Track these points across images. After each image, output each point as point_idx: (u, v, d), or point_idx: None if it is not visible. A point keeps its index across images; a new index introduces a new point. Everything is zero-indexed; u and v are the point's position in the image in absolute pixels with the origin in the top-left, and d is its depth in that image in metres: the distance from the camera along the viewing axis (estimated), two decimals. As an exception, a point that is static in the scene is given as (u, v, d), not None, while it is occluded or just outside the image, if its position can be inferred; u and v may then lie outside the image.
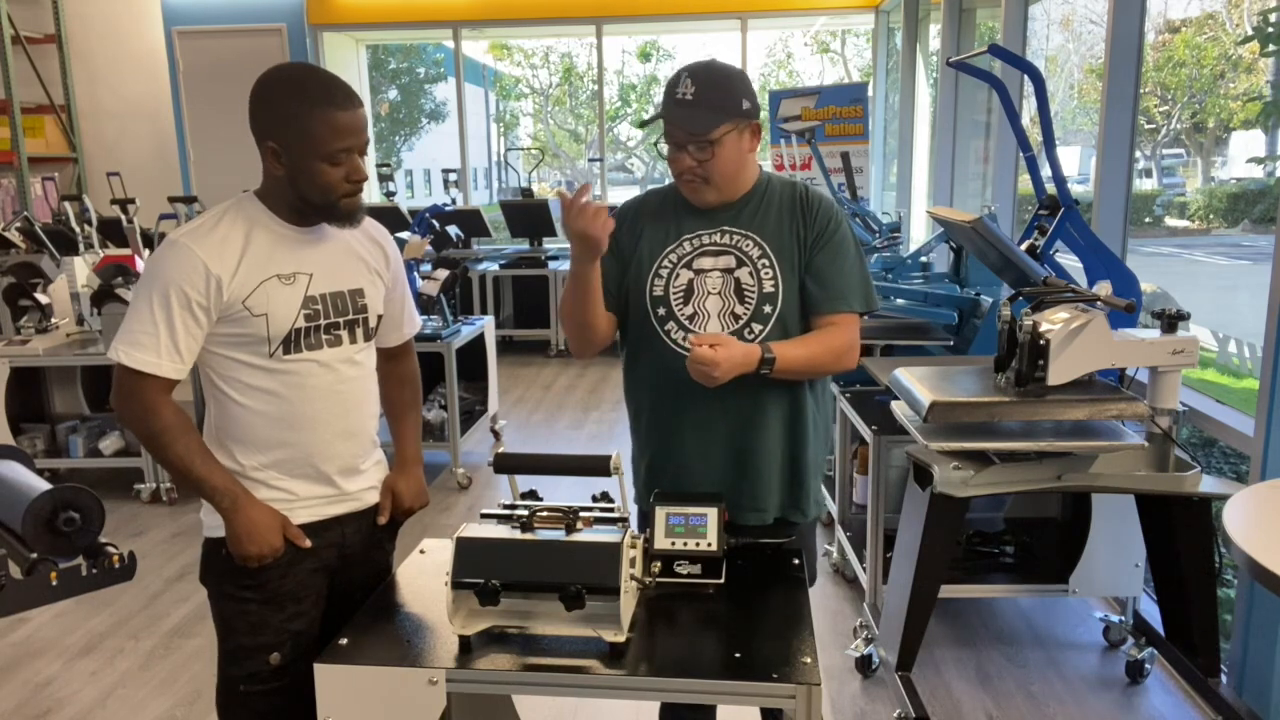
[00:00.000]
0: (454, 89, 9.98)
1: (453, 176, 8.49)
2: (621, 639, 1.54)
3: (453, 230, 6.85)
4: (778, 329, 1.93)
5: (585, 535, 1.61)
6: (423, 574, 1.90)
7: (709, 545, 1.77)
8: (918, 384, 2.58)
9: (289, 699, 1.79)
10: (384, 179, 7.53)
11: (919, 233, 6.82)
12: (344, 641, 1.62)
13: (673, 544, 1.78)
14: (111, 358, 1.69)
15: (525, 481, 1.82)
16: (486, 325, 5.31)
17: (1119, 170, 3.57)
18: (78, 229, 6.00)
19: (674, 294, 1.95)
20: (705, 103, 1.85)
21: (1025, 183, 4.07)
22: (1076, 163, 7.78)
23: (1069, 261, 3.11)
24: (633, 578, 1.60)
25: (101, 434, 4.82)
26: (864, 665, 3.00)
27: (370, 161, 9.22)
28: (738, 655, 1.58)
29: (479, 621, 1.58)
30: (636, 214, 2.05)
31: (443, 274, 4.87)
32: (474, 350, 5.19)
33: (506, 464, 1.80)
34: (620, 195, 11.92)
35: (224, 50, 8.65)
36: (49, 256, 4.91)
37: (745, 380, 1.89)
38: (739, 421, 1.95)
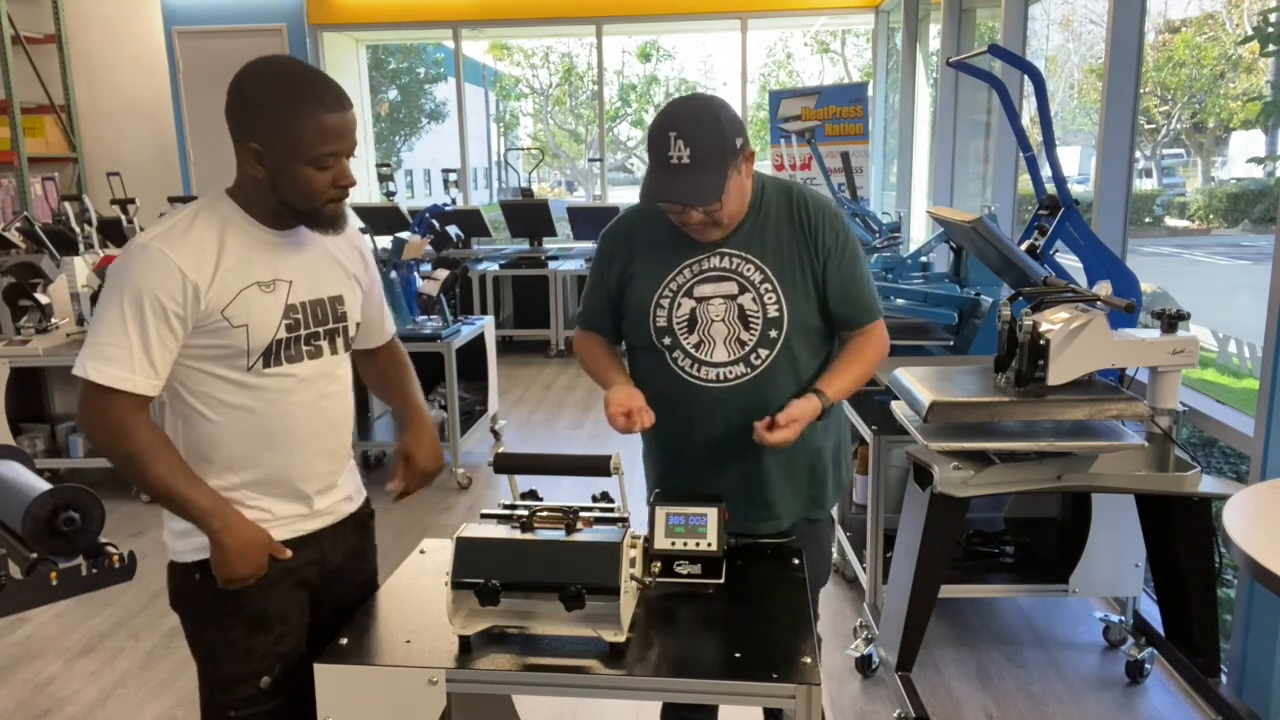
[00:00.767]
0: (454, 89, 9.98)
1: (453, 176, 8.48)
2: (621, 639, 1.54)
3: (453, 230, 6.84)
4: (785, 352, 1.92)
5: (585, 535, 1.61)
6: (423, 574, 1.90)
7: (709, 545, 1.77)
8: (918, 384, 2.58)
9: (281, 717, 1.75)
10: (384, 179, 7.53)
11: (919, 233, 6.82)
12: (344, 641, 1.62)
13: (673, 544, 1.78)
14: (77, 373, 1.53)
15: (525, 481, 1.82)
16: (486, 325, 5.31)
17: (1119, 170, 3.57)
18: (78, 229, 6.00)
19: (678, 324, 1.93)
20: (702, 164, 1.76)
21: (1025, 183, 4.07)
22: (1076, 163, 7.79)
23: (1069, 261, 3.11)
24: (633, 578, 1.60)
25: (101, 434, 4.82)
26: (864, 665, 3.00)
27: (370, 162, 9.25)
28: (738, 655, 1.58)
29: (479, 621, 1.58)
30: (631, 238, 1.99)
31: (443, 274, 4.87)
32: (474, 350, 5.19)
33: (506, 464, 1.80)
34: (620, 195, 11.92)
35: (224, 50, 8.65)
36: (49, 256, 4.91)
37: (759, 404, 1.90)
38: (750, 442, 1.92)
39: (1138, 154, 4.47)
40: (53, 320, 4.79)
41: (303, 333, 1.67)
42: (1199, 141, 8.99)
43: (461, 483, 4.79)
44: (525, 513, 1.66)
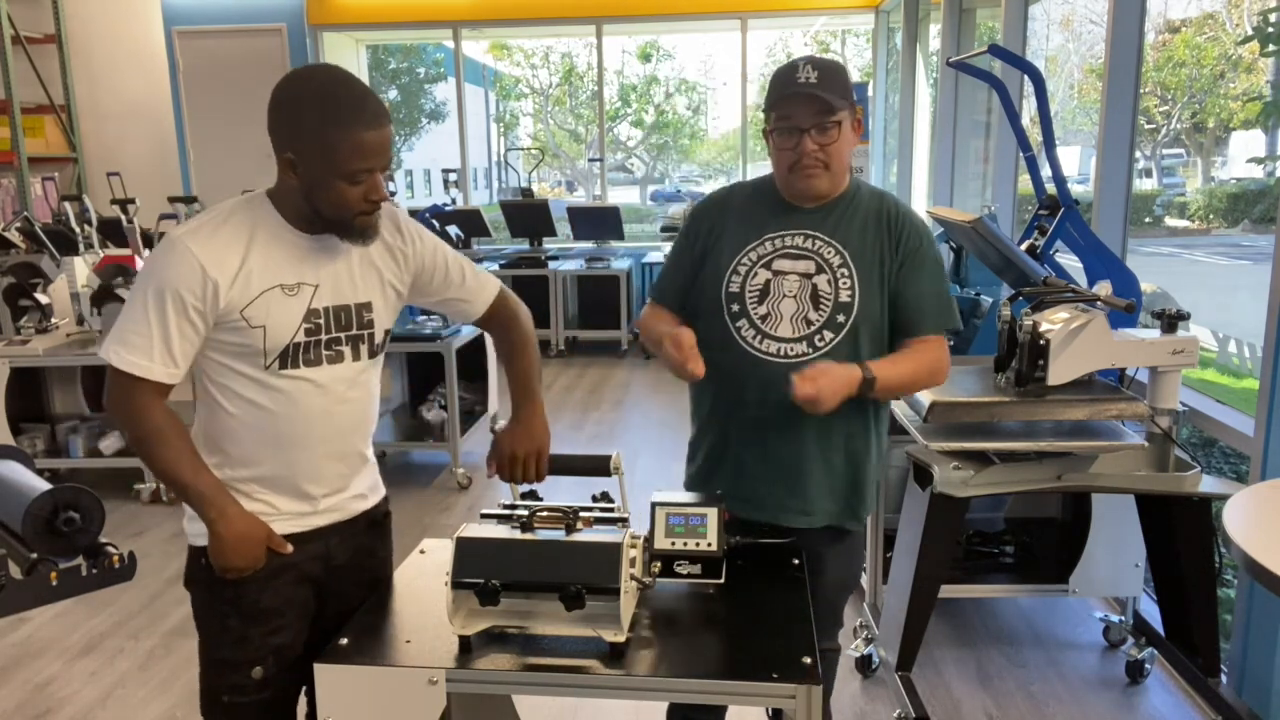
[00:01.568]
0: (454, 89, 9.99)
1: (453, 176, 8.50)
2: (621, 639, 1.54)
3: (453, 230, 6.84)
4: (849, 339, 1.92)
5: (585, 535, 1.61)
6: (423, 574, 1.90)
7: (709, 545, 1.77)
8: (918, 384, 2.57)
9: (273, 710, 1.76)
10: (384, 179, 7.53)
11: (919, 233, 6.80)
12: (344, 641, 1.62)
13: (673, 544, 1.78)
14: (103, 357, 1.60)
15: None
16: (486, 325, 5.30)
17: (1119, 170, 3.57)
18: (78, 229, 6.00)
19: (749, 293, 1.95)
20: (828, 87, 1.87)
21: (1025, 183, 4.07)
22: (1076, 163, 7.78)
23: (1069, 261, 3.11)
24: (633, 578, 1.60)
25: (101, 434, 4.82)
26: (864, 665, 3.00)
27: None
28: (738, 655, 1.59)
29: (479, 621, 1.58)
30: (721, 209, 2.06)
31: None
32: (474, 350, 5.19)
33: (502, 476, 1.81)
34: (620, 195, 11.91)
35: (224, 50, 8.65)
36: (49, 256, 4.90)
37: None
38: (800, 423, 1.93)
39: (1138, 154, 4.47)
40: (53, 320, 4.79)
41: (323, 337, 1.68)
42: (1199, 141, 8.99)
43: (461, 483, 4.79)
44: (525, 513, 1.66)
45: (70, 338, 4.73)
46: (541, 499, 1.76)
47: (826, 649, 2.14)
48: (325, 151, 1.55)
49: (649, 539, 1.77)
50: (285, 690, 1.76)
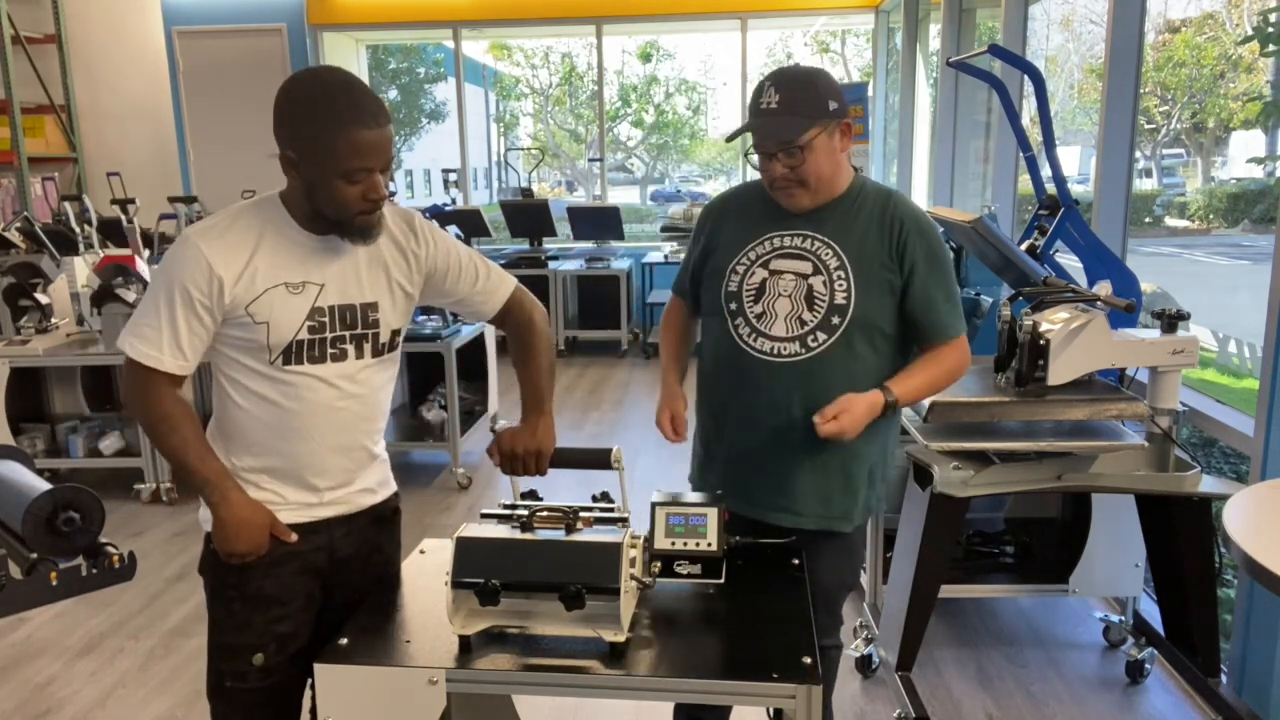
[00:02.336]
0: (454, 89, 9.98)
1: (453, 176, 8.49)
2: (621, 639, 1.54)
3: (453, 230, 6.84)
4: (843, 341, 1.93)
5: (585, 535, 1.61)
6: (423, 574, 1.90)
7: (709, 545, 1.77)
8: (918, 384, 2.57)
9: (275, 698, 1.78)
10: (384, 179, 7.54)
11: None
12: (344, 641, 1.62)
13: (673, 544, 1.78)
14: (119, 347, 1.68)
15: (525, 481, 1.82)
16: (486, 325, 5.31)
17: (1119, 170, 3.57)
18: (78, 229, 5.99)
19: (746, 291, 1.97)
20: (790, 109, 1.86)
21: (1025, 183, 4.07)
22: (1076, 163, 7.78)
23: (1069, 261, 3.11)
24: (633, 578, 1.60)
25: (101, 434, 4.82)
26: (864, 665, 3.00)
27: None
28: (738, 655, 1.59)
29: (479, 621, 1.58)
30: (723, 209, 2.10)
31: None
32: (474, 350, 5.20)
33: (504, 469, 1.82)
34: (620, 195, 11.91)
35: (224, 50, 8.65)
36: (49, 256, 4.90)
37: (806, 389, 1.93)
38: (791, 423, 1.95)
39: (1138, 154, 4.47)
40: (53, 320, 4.79)
41: (327, 335, 1.71)
42: (1199, 141, 8.99)
43: (461, 483, 4.79)
44: (525, 512, 1.67)
45: (70, 338, 4.73)
46: (542, 499, 1.76)
47: (827, 646, 2.14)
48: (323, 150, 1.58)
49: (649, 539, 1.77)
50: (288, 681, 1.78)
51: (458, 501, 4.63)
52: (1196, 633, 2.61)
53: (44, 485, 1.53)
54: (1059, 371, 2.41)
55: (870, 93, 8.27)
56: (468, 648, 1.57)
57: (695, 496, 1.86)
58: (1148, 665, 2.92)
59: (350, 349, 1.74)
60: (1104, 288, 2.50)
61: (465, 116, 9.44)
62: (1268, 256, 2.52)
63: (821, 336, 1.93)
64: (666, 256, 8.04)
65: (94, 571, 1.53)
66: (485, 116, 20.44)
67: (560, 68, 20.03)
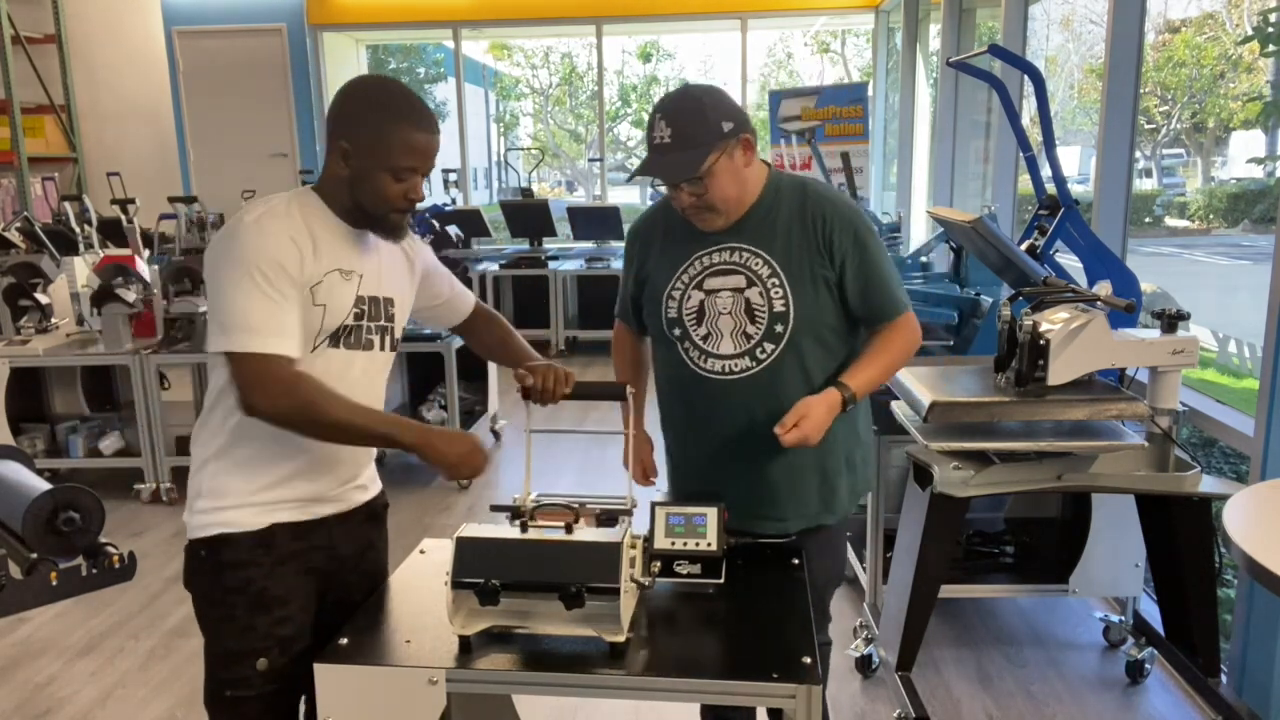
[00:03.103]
0: (454, 89, 9.98)
1: (453, 176, 8.49)
2: (621, 639, 1.54)
3: (453, 230, 6.83)
4: (791, 348, 1.92)
5: (585, 535, 1.61)
6: (423, 574, 1.90)
7: (709, 545, 1.77)
8: (918, 384, 2.58)
9: (278, 703, 1.76)
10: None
11: (919, 233, 6.82)
12: (344, 641, 1.62)
13: (673, 544, 1.78)
14: (229, 349, 1.58)
15: (535, 480, 1.82)
16: (486, 325, 5.30)
17: (1119, 170, 3.57)
18: (78, 229, 6.00)
19: (687, 315, 1.96)
20: (682, 143, 1.83)
21: (1025, 183, 4.07)
22: (1076, 163, 7.79)
23: (1069, 261, 3.11)
24: (633, 578, 1.60)
25: (101, 434, 4.82)
26: (864, 665, 3.00)
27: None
28: (738, 655, 1.59)
29: (479, 621, 1.58)
30: (648, 235, 2.07)
31: (443, 274, 4.86)
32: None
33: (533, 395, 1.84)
34: (620, 195, 11.92)
35: (224, 50, 8.66)
36: (49, 256, 4.90)
37: (765, 400, 1.92)
38: (755, 437, 1.94)
39: (1138, 154, 4.47)
40: (53, 320, 4.79)
41: (365, 324, 1.76)
42: (1199, 141, 8.99)
43: (461, 483, 4.79)
44: (531, 505, 1.67)
45: (70, 338, 4.73)
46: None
47: (819, 642, 2.14)
48: (380, 143, 1.65)
49: (649, 539, 1.77)
50: (289, 685, 1.76)
51: (458, 501, 4.63)
52: (1196, 633, 2.61)
53: (44, 485, 1.53)
54: (1059, 371, 2.41)
55: (870, 93, 8.27)
56: (468, 648, 1.57)
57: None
58: (1148, 665, 2.92)
59: (376, 340, 1.79)
60: (1104, 288, 2.50)
61: (465, 116, 9.44)
62: (1268, 256, 2.52)
63: (769, 347, 1.92)
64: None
65: (94, 571, 1.53)
66: (485, 116, 20.43)
67: (560, 68, 20.03)
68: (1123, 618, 3.08)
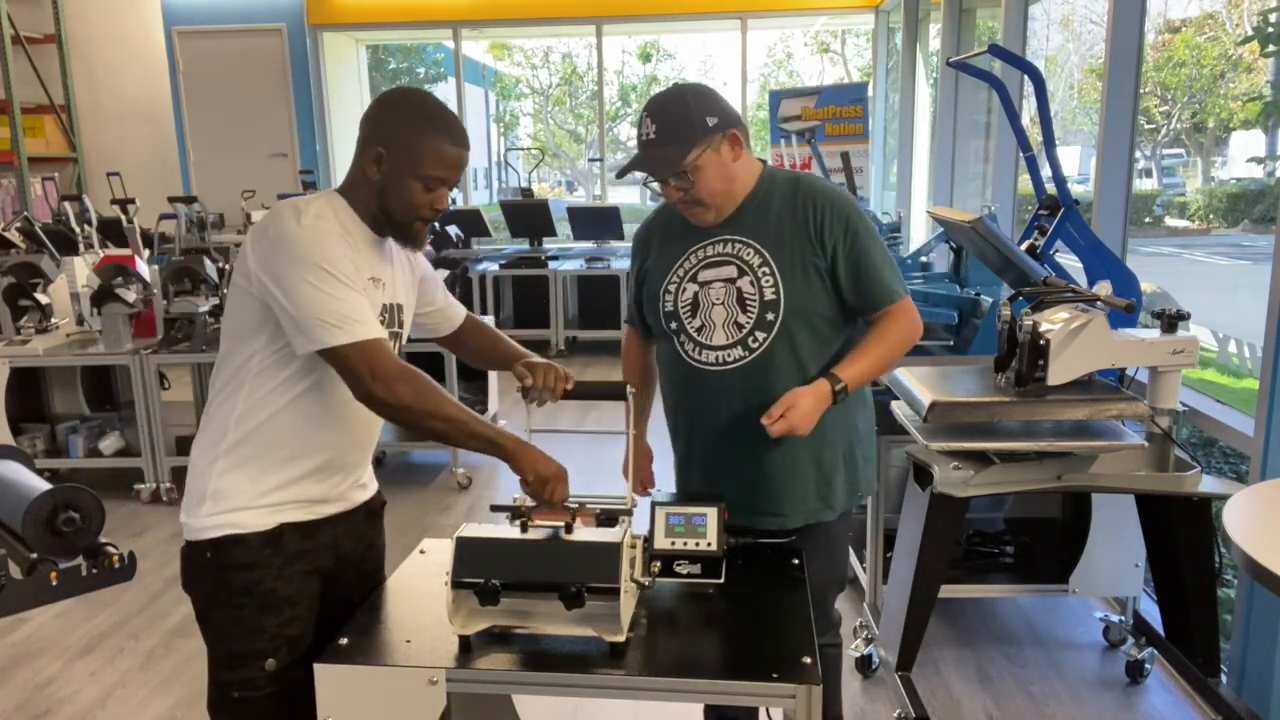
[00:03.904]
0: (454, 89, 9.98)
1: (453, 176, 8.48)
2: (621, 639, 1.54)
3: (453, 230, 6.85)
4: (783, 336, 1.93)
5: (585, 535, 1.61)
6: (423, 574, 1.90)
7: (709, 545, 1.77)
8: (918, 384, 2.58)
9: (283, 704, 1.75)
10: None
11: (919, 233, 6.82)
12: (344, 641, 1.62)
13: (673, 544, 1.78)
14: (336, 343, 1.58)
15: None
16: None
17: (1119, 170, 3.57)
18: (78, 229, 6.01)
19: (682, 308, 1.99)
20: (667, 138, 1.87)
21: (1025, 183, 4.07)
22: (1076, 163, 7.78)
23: (1069, 261, 3.11)
24: (632, 578, 1.60)
25: (101, 434, 4.83)
26: (864, 665, 3.00)
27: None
28: (738, 655, 1.59)
29: (479, 621, 1.58)
30: (648, 236, 2.12)
31: (443, 274, 4.86)
32: (474, 350, 5.18)
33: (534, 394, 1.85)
34: (620, 195, 11.92)
35: (224, 50, 8.66)
36: (49, 256, 4.91)
37: (758, 390, 1.93)
38: (750, 428, 1.94)
39: (1138, 154, 4.47)
40: (53, 320, 4.79)
41: (386, 330, 1.76)
42: (1199, 141, 8.99)
43: (461, 483, 4.79)
44: (531, 505, 1.68)
45: (70, 338, 4.73)
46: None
47: (825, 645, 2.15)
48: (414, 151, 1.68)
49: (649, 539, 1.77)
50: (294, 685, 1.75)
51: (457, 501, 4.63)
52: (1196, 633, 2.61)
53: (44, 485, 1.53)
54: (1059, 371, 2.41)
55: (870, 93, 8.27)
56: (468, 648, 1.57)
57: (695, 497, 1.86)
58: (1148, 665, 2.92)
59: (392, 345, 1.80)
60: (1104, 288, 2.50)
61: (465, 116, 9.45)
62: (1268, 256, 2.52)
63: (761, 335, 1.93)
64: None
65: (94, 571, 1.53)
66: (485, 116, 20.43)
67: (560, 68, 20.03)
68: (1123, 618, 3.08)
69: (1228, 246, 7.80)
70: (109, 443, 4.78)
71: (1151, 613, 3.03)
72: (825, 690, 1.49)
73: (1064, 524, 3.24)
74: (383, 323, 1.74)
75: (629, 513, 1.70)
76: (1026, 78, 3.33)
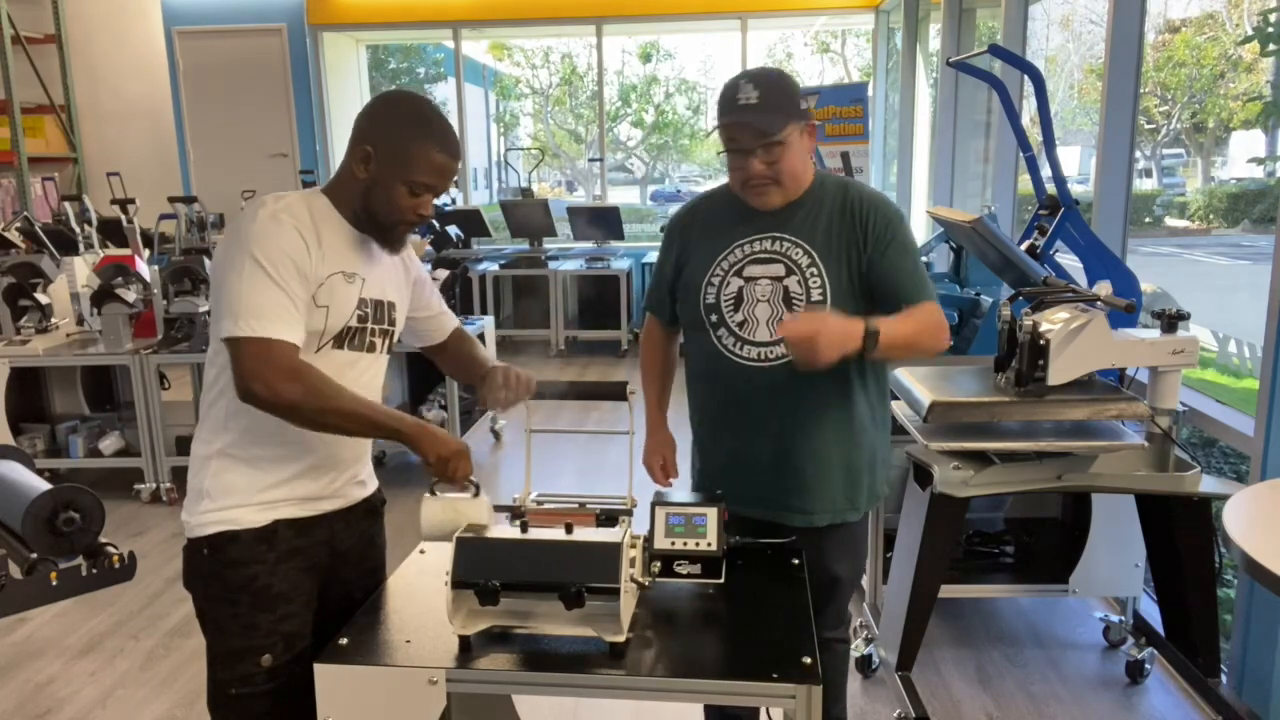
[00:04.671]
0: (454, 89, 9.98)
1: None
2: (621, 639, 1.54)
3: (453, 230, 6.85)
4: None
5: (585, 535, 1.61)
6: (423, 574, 1.90)
7: (709, 545, 1.77)
8: (918, 384, 2.58)
9: (282, 701, 1.76)
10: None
11: (919, 233, 6.82)
12: (344, 641, 1.62)
13: (673, 544, 1.78)
14: (236, 334, 1.58)
15: (535, 480, 1.82)
16: (486, 325, 5.31)
17: (1119, 170, 3.57)
18: (78, 229, 6.00)
19: (725, 301, 1.98)
20: (769, 106, 1.87)
21: (1025, 183, 4.07)
22: (1076, 163, 7.78)
23: (1069, 261, 3.11)
24: (633, 578, 1.60)
25: (101, 434, 4.82)
26: (864, 665, 3.00)
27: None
28: (738, 655, 1.59)
29: (479, 621, 1.58)
30: (690, 223, 2.10)
31: (443, 274, 4.87)
32: (474, 350, 5.18)
33: (541, 392, 1.89)
34: (620, 195, 11.93)
35: (224, 50, 8.65)
36: (49, 256, 4.90)
37: (798, 389, 1.93)
38: (786, 425, 1.96)
39: (1138, 154, 4.47)
40: (53, 320, 4.79)
41: (369, 326, 1.78)
42: (1199, 141, 8.99)
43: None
44: (533, 505, 1.67)
45: (70, 338, 4.73)
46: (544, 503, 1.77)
47: (834, 640, 2.15)
48: (403, 154, 1.68)
49: (649, 539, 1.77)
50: (293, 682, 1.76)
51: (458, 501, 4.62)
52: (1196, 633, 2.61)
53: (44, 485, 1.53)
54: (1059, 371, 2.41)
55: (870, 93, 8.26)
56: (468, 648, 1.57)
57: (695, 496, 1.86)
58: (1148, 665, 2.92)
59: (378, 342, 1.82)
60: (1104, 288, 2.50)
61: (465, 116, 9.44)
62: (1268, 256, 2.52)
63: None
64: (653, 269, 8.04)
65: (94, 571, 1.53)
66: (485, 116, 20.42)
67: (560, 68, 20.02)
68: (1123, 618, 3.08)
69: (1228, 246, 7.79)
70: (109, 443, 4.78)
71: (1151, 613, 3.03)
72: (829, 686, 1.49)
73: (1064, 524, 3.25)
74: (361, 318, 1.75)
75: (629, 513, 1.70)
76: (1026, 78, 3.34)
